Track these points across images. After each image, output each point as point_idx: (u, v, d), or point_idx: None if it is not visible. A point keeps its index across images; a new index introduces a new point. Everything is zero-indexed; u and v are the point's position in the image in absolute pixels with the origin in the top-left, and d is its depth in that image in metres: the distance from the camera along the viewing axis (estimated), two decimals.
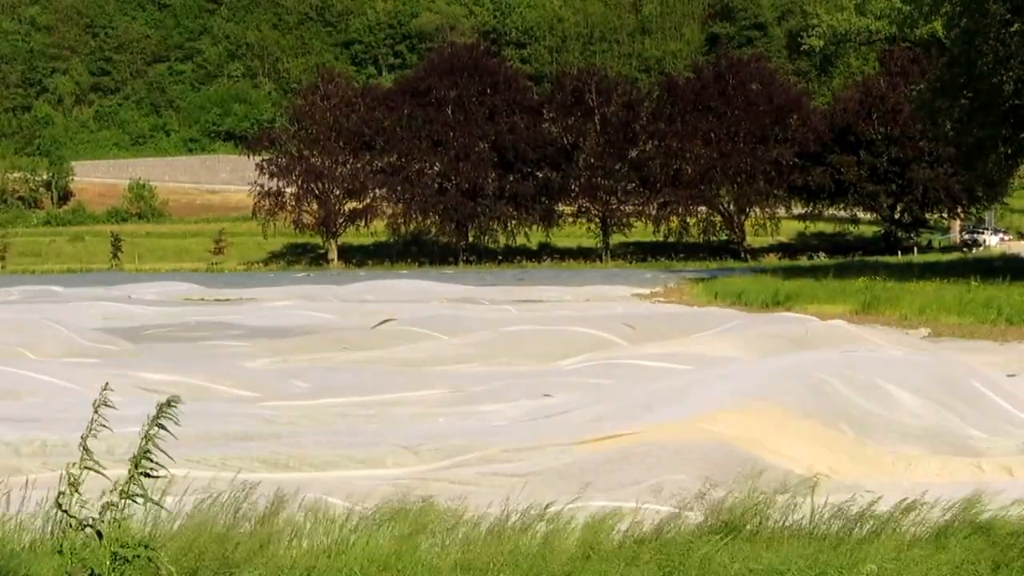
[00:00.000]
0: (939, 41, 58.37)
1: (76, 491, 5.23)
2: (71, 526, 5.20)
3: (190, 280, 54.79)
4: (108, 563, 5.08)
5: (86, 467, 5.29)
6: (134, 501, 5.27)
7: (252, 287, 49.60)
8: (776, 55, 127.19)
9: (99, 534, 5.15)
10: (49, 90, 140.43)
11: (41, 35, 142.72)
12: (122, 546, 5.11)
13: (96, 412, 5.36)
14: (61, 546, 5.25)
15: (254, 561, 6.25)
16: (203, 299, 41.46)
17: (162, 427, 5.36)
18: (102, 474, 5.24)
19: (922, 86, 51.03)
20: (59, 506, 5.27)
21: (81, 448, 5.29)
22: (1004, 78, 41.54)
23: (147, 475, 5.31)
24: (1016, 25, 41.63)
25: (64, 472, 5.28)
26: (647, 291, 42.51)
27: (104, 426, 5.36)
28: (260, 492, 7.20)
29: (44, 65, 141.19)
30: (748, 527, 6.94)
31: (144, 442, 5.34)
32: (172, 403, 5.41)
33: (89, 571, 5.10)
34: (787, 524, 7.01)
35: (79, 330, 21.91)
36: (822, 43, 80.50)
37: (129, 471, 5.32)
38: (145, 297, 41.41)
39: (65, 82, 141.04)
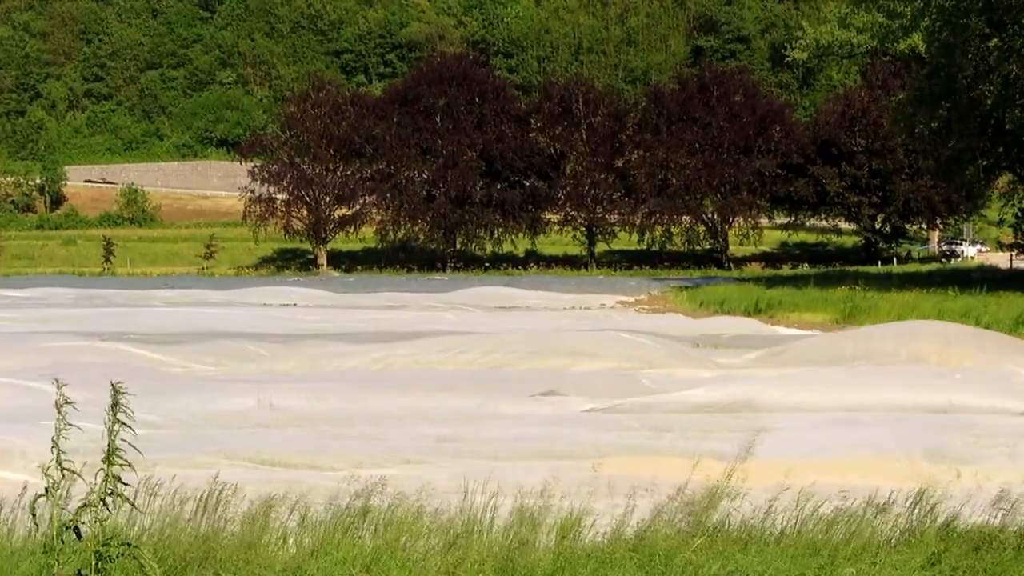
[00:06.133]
0: (919, 55, 58.93)
1: (52, 493, 5.26)
2: (55, 527, 5.26)
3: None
4: (93, 562, 5.17)
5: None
6: (105, 504, 5.26)
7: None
8: (759, 67, 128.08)
9: (78, 534, 5.22)
10: (43, 95, 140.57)
11: (35, 41, 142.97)
12: (104, 545, 5.18)
13: (59, 410, 5.31)
14: (46, 545, 5.37)
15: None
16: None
17: (123, 423, 5.26)
18: (79, 475, 5.27)
19: (901, 97, 51.35)
20: (32, 511, 5.37)
21: (54, 450, 5.26)
22: (986, 92, 41.53)
23: (119, 480, 5.29)
24: (995, 39, 41.58)
25: (43, 473, 5.31)
26: (632, 299, 43.49)
27: (73, 424, 5.32)
28: None
29: (38, 71, 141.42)
30: None
31: (111, 437, 5.26)
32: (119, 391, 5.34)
33: (76, 570, 5.18)
34: None
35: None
36: (805, 56, 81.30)
37: (104, 471, 5.30)
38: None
39: (59, 87, 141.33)
